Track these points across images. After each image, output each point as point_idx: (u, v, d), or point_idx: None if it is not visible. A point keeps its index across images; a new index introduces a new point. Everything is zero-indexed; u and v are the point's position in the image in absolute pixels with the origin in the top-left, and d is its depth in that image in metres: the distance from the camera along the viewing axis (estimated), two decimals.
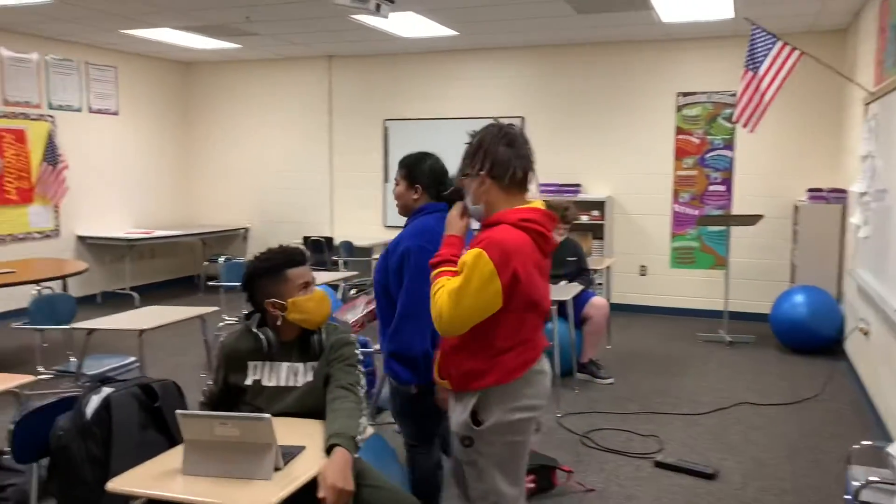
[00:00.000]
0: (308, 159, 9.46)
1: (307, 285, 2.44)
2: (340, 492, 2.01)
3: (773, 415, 4.88)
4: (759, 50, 5.52)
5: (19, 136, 7.71)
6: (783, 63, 5.46)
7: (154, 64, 9.39)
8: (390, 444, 3.38)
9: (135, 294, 8.61)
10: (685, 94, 7.85)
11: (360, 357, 2.44)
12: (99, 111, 8.65)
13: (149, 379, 2.40)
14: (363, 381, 2.39)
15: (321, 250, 8.46)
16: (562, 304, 5.08)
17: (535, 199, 2.29)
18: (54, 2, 6.28)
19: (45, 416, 2.34)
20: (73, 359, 4.52)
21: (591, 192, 8.17)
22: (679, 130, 7.90)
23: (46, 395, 4.77)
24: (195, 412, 2.01)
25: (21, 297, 7.52)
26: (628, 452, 4.22)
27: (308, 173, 9.48)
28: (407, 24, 7.16)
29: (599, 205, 7.98)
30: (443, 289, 2.14)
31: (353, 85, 9.15)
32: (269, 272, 2.43)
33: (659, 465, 4.03)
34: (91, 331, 4.09)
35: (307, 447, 2.17)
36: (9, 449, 2.28)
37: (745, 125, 5.64)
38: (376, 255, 8.00)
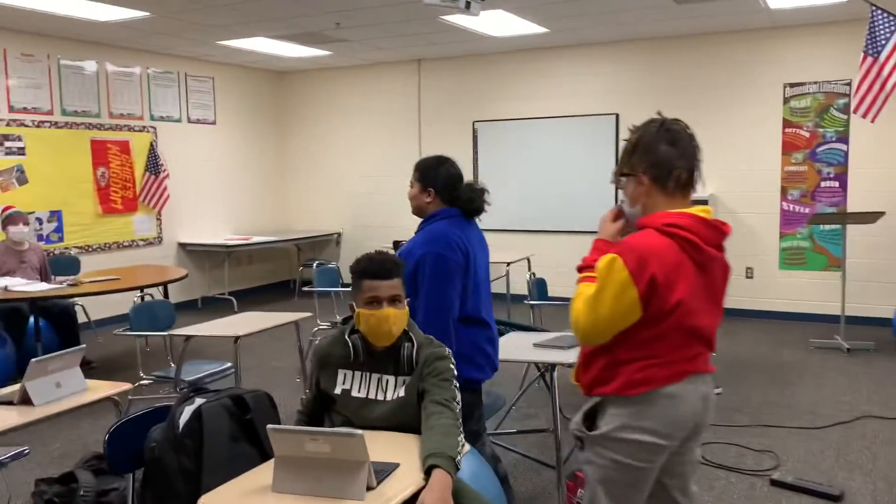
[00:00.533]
0: (398, 163, 9.45)
1: (374, 300, 2.30)
2: None
3: None
4: (881, 33, 5.08)
5: (124, 148, 8.02)
6: None
7: (249, 74, 9.61)
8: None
9: (233, 299, 8.80)
10: (793, 85, 7.37)
11: (455, 372, 2.31)
12: (197, 121, 8.91)
13: (241, 390, 2.34)
14: (459, 398, 2.25)
15: None
16: None
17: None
18: (153, 16, 6.48)
19: (139, 425, 2.32)
20: (172, 364, 4.60)
21: (700, 190, 7.79)
22: (787, 123, 7.43)
23: (147, 399, 4.89)
24: (285, 427, 1.92)
25: (127, 303, 7.82)
26: (741, 469, 3.93)
27: (398, 177, 9.47)
28: (496, 23, 7.01)
29: (701, 203, 7.58)
30: (579, 296, 2.02)
31: (442, 87, 9.08)
32: (354, 277, 2.36)
33: (775, 483, 3.72)
34: (188, 337, 4.13)
35: (401, 464, 2.05)
36: None
37: (864, 115, 5.21)
38: None
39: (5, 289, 5.42)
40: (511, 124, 8.70)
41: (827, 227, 7.29)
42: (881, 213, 6.13)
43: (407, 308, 2.35)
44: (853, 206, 7.20)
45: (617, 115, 8.11)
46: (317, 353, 2.45)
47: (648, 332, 1.99)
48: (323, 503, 1.86)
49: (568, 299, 7.47)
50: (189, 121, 8.80)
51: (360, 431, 1.86)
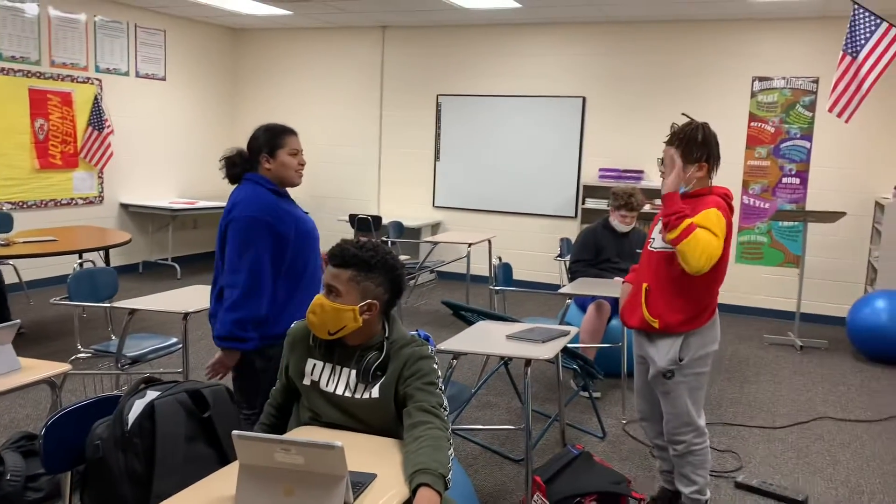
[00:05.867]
0: (356, 133, 9.14)
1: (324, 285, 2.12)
2: None
3: (859, 432, 4.47)
4: (861, 32, 5.02)
5: (65, 99, 7.51)
6: (887, 47, 4.96)
7: (203, 29, 9.12)
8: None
9: (176, 265, 8.43)
10: (762, 79, 7.33)
11: (440, 374, 2.10)
12: (146, 76, 8.42)
13: (198, 383, 2.10)
14: (446, 403, 2.05)
15: (368, 229, 8.16)
16: None
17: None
18: None
19: (80, 417, 2.06)
20: (113, 337, 4.29)
21: (655, 180, 7.73)
22: (752, 118, 7.40)
23: (85, 375, 4.56)
24: (252, 434, 1.70)
25: (63, 265, 7.38)
26: None
27: (356, 148, 9.16)
28: None
29: None
30: (707, 237, 2.80)
31: (407, 57, 8.78)
32: None
33: (740, 486, 3.66)
34: (133, 311, 3.83)
35: (378, 475, 1.86)
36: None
37: (839, 114, 5.17)
38: (427, 237, 7.67)
39: None
40: (476, 100, 8.47)
41: (786, 223, 7.32)
42: (842, 214, 6.15)
43: (351, 308, 2.06)
44: (812, 204, 7.24)
45: (584, 99, 7.97)
46: (289, 336, 2.22)
47: (718, 271, 2.89)
48: None
49: (532, 284, 7.41)
50: (137, 75, 8.31)
51: (339, 443, 1.65)
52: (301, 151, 2.94)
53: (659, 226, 2.96)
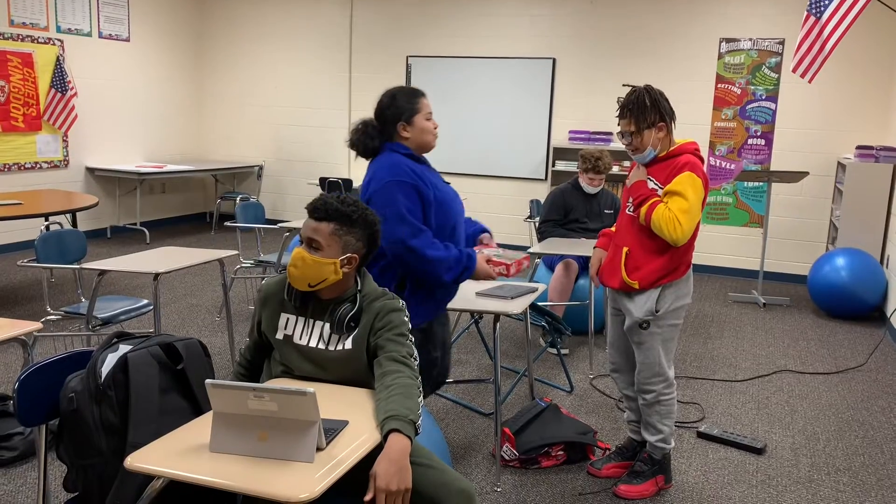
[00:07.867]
0: (326, 96, 9.06)
1: (302, 239, 2.14)
2: (395, 494, 1.74)
3: (817, 384, 4.63)
4: None
5: (26, 60, 7.34)
6: (850, 8, 5.03)
7: None
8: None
9: (145, 230, 8.36)
10: (729, 41, 7.39)
11: (410, 326, 2.15)
12: (110, 37, 8.24)
13: (171, 337, 2.12)
14: (416, 354, 2.10)
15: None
16: None
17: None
18: None
19: (53, 372, 2.08)
20: (83, 299, 4.27)
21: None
22: (719, 79, 7.48)
23: (54, 336, 4.55)
24: (226, 382, 1.74)
25: (28, 230, 7.29)
26: None
27: (326, 111, 9.09)
28: None
29: None
30: (676, 212, 2.90)
31: (376, 18, 8.69)
32: None
33: (702, 435, 3.79)
34: (103, 272, 3.82)
35: (350, 422, 1.91)
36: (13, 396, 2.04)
37: (803, 75, 5.25)
38: None
39: None
40: (446, 62, 8.43)
41: (750, 184, 7.45)
42: (805, 173, 6.27)
43: (332, 261, 2.09)
44: (776, 164, 7.37)
45: (554, 60, 7.97)
46: (262, 291, 2.25)
47: (696, 229, 2.95)
48: (267, 466, 1.70)
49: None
50: (100, 36, 8.13)
51: (311, 389, 1.69)
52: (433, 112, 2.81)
53: None
